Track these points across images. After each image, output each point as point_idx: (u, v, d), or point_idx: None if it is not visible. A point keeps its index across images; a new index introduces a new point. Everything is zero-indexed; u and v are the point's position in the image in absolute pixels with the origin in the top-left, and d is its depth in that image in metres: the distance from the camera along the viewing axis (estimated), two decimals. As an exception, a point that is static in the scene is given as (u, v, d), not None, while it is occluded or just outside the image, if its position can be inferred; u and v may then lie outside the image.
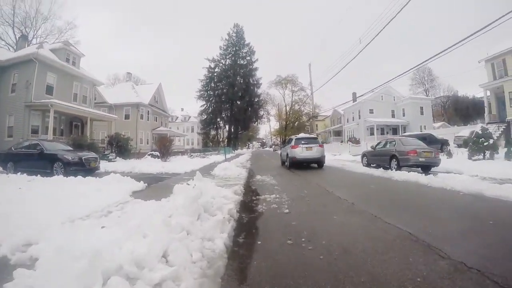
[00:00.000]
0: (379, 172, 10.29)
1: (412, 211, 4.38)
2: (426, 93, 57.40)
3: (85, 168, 10.35)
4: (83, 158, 10.35)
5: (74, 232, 3.00)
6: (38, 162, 10.40)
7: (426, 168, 10.90)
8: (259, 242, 3.16)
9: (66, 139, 16.95)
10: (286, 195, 6.04)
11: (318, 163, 13.42)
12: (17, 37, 30.73)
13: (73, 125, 20.20)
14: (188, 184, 5.80)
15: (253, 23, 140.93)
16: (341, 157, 23.16)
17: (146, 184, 7.55)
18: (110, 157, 19.62)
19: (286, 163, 14.20)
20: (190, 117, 67.83)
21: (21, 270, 2.00)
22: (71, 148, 12.04)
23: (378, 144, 13.50)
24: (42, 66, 17.60)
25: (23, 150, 11.17)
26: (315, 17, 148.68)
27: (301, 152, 12.88)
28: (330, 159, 20.44)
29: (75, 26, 42.77)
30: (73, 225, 3.57)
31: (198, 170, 14.57)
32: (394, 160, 11.09)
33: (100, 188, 6.51)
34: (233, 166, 12.50)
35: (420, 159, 10.55)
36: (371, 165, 13.13)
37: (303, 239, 3.14)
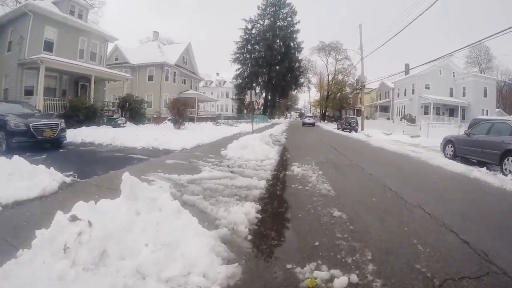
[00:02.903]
0: (494, 179, 5.94)
1: None
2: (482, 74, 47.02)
3: (35, 140, 7.60)
4: (30, 125, 7.50)
5: None
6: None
7: None
8: None
9: (63, 101, 14.80)
10: (377, 272, 2.09)
11: (312, 124, 34.50)
12: None
13: (80, 86, 18.11)
14: (77, 220, 1.96)
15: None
16: (396, 138, 18.12)
17: (69, 179, 4.40)
18: (119, 122, 17.38)
19: (303, 124, 35.20)
20: (225, 82, 64.41)
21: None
22: (35, 112, 9.22)
23: (475, 127, 8.87)
24: (38, 19, 15.11)
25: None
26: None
27: (307, 120, 36.04)
28: (384, 139, 15.92)
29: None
30: None
31: (209, 143, 10.94)
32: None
33: None
34: (259, 142, 8.67)
35: None
36: (457, 157, 8.82)
37: None
